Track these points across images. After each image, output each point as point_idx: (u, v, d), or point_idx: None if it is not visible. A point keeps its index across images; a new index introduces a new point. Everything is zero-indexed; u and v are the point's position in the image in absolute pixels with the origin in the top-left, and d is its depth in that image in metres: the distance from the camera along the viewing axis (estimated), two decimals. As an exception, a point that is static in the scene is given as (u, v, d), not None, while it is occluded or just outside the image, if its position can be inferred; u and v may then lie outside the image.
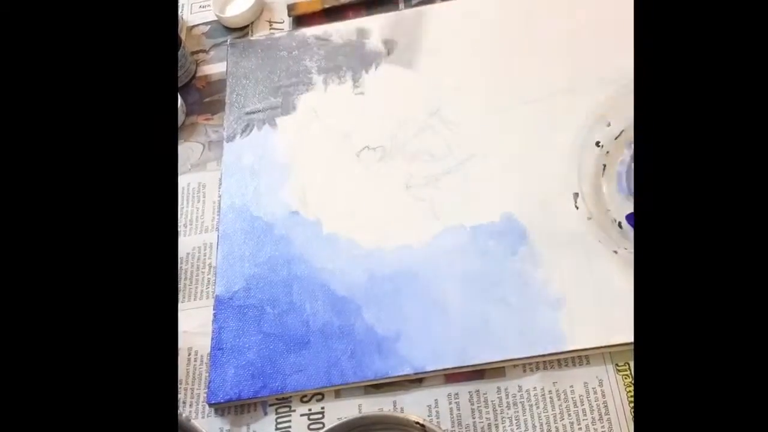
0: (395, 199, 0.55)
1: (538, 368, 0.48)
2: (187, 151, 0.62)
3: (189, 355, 0.52)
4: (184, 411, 0.50)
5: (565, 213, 0.51)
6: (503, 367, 0.48)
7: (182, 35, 0.68)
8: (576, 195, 0.52)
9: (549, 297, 0.49)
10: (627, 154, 0.52)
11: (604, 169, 0.53)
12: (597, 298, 0.48)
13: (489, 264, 0.51)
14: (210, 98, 0.65)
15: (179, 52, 0.64)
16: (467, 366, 0.48)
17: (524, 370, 0.48)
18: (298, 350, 0.50)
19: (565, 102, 0.56)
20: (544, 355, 0.47)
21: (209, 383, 0.50)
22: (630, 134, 0.53)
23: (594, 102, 0.55)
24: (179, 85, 0.65)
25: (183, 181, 0.60)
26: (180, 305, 0.54)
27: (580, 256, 0.50)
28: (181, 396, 0.50)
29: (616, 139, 0.53)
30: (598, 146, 0.53)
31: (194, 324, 0.53)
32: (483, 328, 0.49)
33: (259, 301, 0.53)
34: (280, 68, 0.63)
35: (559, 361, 0.48)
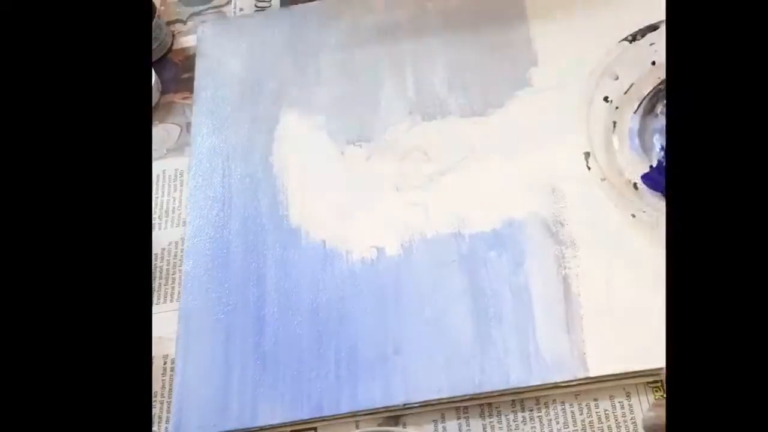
0: (384, 203, 0.54)
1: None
2: (163, 133, 0.62)
3: (164, 363, 0.52)
4: (160, 428, 0.50)
5: (576, 181, 0.52)
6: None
7: (157, 3, 0.67)
8: (587, 155, 0.53)
9: (559, 316, 0.48)
10: (638, 108, 0.54)
11: (614, 126, 0.54)
12: (618, 315, 0.47)
13: (489, 278, 0.50)
14: (188, 74, 0.64)
15: (153, 22, 0.63)
16: (462, 396, 0.47)
17: (542, 381, 0.48)
18: (273, 377, 0.49)
19: (570, 58, 0.57)
20: (555, 385, 0.46)
21: (172, 416, 0.49)
22: (640, 88, 0.55)
23: (601, 54, 0.56)
24: (154, 59, 0.65)
25: (158, 167, 0.60)
26: (154, 307, 0.54)
27: (597, 237, 0.50)
28: (156, 410, 0.50)
29: (625, 93, 0.55)
30: (607, 101, 0.54)
31: (170, 329, 0.52)
32: (482, 352, 0.48)
33: (229, 320, 0.51)
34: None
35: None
